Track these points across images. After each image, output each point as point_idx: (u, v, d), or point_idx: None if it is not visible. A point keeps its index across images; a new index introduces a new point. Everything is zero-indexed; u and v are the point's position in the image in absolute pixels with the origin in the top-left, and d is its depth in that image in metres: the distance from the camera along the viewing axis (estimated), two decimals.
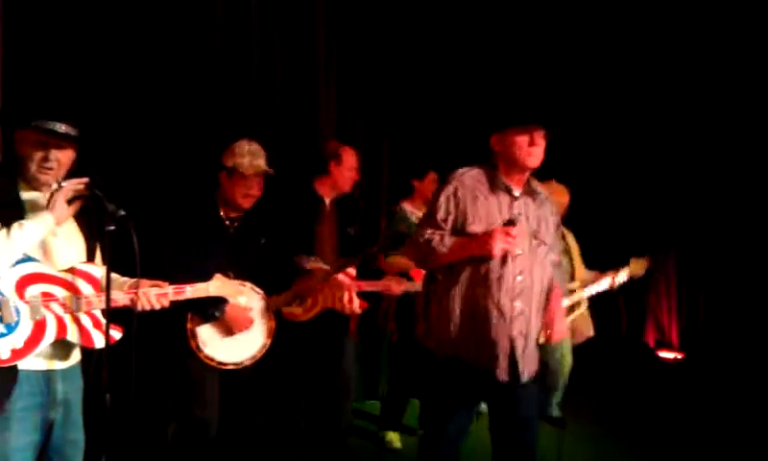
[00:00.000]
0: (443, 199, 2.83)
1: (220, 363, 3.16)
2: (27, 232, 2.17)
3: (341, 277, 3.62)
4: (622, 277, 4.38)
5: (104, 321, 2.30)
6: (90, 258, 2.40)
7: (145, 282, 2.37)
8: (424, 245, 2.81)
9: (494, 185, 2.81)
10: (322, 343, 3.72)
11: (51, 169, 2.27)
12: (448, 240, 2.77)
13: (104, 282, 2.28)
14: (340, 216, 3.84)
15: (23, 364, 2.21)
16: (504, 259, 2.72)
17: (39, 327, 2.22)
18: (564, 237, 4.71)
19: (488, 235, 2.67)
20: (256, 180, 3.25)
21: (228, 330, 3.16)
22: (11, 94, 3.45)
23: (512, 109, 2.85)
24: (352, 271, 3.72)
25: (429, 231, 2.81)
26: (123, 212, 2.20)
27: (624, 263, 4.43)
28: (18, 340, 2.18)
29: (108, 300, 2.21)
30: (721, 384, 5.58)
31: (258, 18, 4.69)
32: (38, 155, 2.25)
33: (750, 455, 4.39)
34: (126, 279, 2.43)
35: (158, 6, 4.13)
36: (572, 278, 4.60)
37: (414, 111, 5.58)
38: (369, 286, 3.77)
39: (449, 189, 2.83)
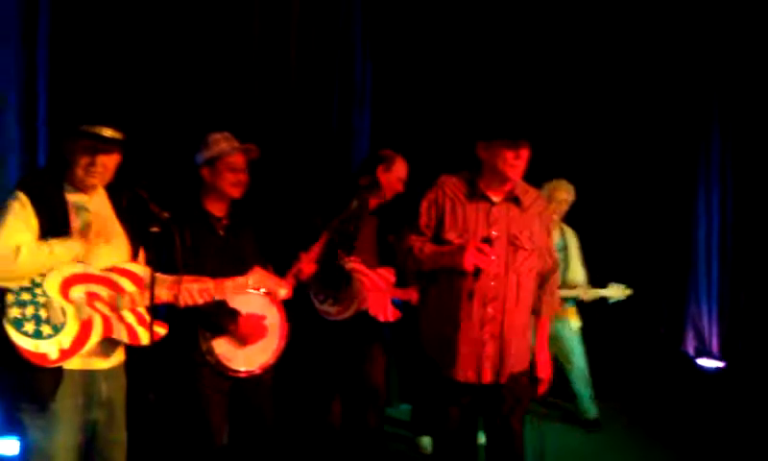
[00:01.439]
0: (425, 206, 2.90)
1: (234, 371, 3.02)
2: (53, 255, 2.23)
3: (378, 280, 3.62)
4: (593, 294, 4.61)
5: (148, 318, 2.36)
6: (134, 259, 2.46)
7: (187, 279, 2.42)
8: (406, 251, 2.89)
9: (472, 193, 2.85)
10: (351, 346, 3.72)
11: (97, 173, 2.33)
12: (427, 248, 2.84)
13: (147, 281, 2.34)
14: (380, 223, 3.82)
15: (66, 364, 2.26)
16: (479, 270, 2.73)
17: (86, 327, 2.28)
18: (562, 234, 4.71)
19: (462, 249, 2.70)
20: (242, 162, 3.10)
21: (243, 341, 3.02)
22: (59, 99, 3.53)
23: (503, 122, 2.85)
24: (391, 276, 3.71)
25: (412, 238, 2.88)
26: (167, 214, 2.24)
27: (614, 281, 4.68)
28: (66, 340, 2.24)
29: (152, 296, 2.26)
30: (764, 395, 5.43)
31: (297, 39, 4.70)
32: (85, 159, 2.32)
33: None
34: (167, 277, 2.47)
35: (198, 18, 4.17)
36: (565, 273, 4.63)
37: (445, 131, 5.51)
38: (404, 295, 3.78)
39: (431, 196, 2.90)
